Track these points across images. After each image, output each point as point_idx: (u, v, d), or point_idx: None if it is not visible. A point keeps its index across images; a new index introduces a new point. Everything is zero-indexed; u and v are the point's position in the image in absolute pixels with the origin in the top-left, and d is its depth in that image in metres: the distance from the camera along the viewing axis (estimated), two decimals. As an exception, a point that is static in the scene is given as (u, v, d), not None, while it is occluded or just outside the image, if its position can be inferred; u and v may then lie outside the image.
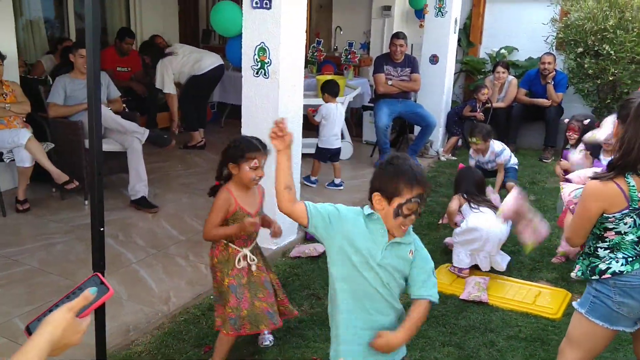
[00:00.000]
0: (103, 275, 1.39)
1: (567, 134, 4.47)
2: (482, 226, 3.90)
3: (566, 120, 4.57)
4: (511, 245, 4.49)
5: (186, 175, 6.00)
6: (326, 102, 5.70)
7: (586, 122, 4.30)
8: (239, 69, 4.20)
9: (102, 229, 2.36)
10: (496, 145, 5.07)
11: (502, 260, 4.05)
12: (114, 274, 3.73)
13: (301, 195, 4.57)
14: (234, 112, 6.90)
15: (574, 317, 2.35)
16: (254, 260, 2.80)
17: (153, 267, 3.94)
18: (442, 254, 4.32)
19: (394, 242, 1.94)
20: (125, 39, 7.02)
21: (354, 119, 7.86)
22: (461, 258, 3.97)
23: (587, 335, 2.29)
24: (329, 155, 5.74)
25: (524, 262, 4.22)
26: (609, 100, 7.25)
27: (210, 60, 6.72)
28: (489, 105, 7.04)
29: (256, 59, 3.94)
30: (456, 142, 7.22)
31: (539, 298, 3.68)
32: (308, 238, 4.43)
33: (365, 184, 2.04)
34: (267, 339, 3.07)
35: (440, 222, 4.82)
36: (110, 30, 7.88)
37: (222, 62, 6.83)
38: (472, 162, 5.12)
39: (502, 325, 3.37)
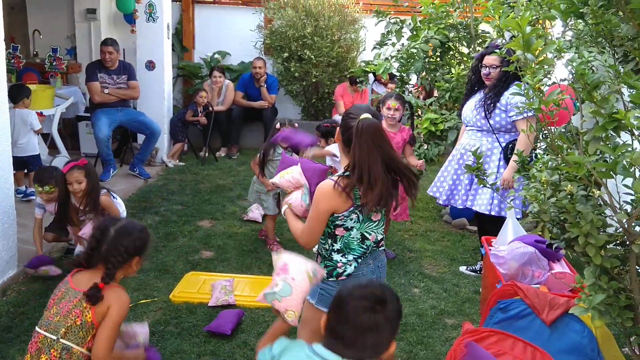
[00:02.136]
0: None
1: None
2: None
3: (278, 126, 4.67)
4: (249, 244, 4.70)
5: None
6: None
7: (297, 124, 4.69)
8: None
9: None
10: None
11: None
12: None
13: (18, 214, 4.05)
14: None
15: (305, 303, 2.55)
16: None
17: None
18: (184, 263, 4.29)
19: None
20: None
21: (68, 130, 7.22)
22: None
23: (314, 319, 2.46)
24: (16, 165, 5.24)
25: (263, 258, 4.45)
26: (314, 100, 8.08)
27: None
28: (210, 109, 7.21)
29: (-56, 72, 3.34)
30: (182, 147, 7.21)
31: (280, 290, 3.91)
32: (30, 266, 3.92)
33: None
34: None
35: None
36: None
37: None
38: (39, 212, 4.13)
39: (252, 324, 3.51)
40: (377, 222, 2.46)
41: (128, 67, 6.37)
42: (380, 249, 2.52)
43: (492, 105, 4.01)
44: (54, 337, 2.16)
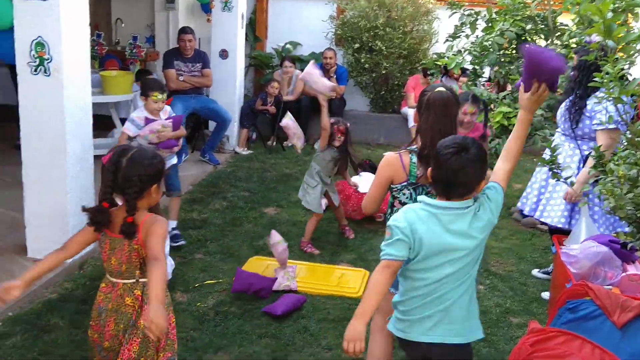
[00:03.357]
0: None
1: (337, 135, 4.67)
2: None
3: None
4: (314, 235, 4.74)
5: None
6: None
7: (348, 124, 4.72)
8: (10, 66, 3.76)
9: None
10: None
11: None
12: None
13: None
14: (6, 113, 6.11)
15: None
16: None
17: None
18: (249, 248, 4.38)
19: None
20: None
21: (144, 116, 7.51)
22: None
23: (386, 300, 2.50)
24: None
25: (326, 247, 4.48)
26: (383, 92, 8.02)
27: None
28: (280, 98, 7.30)
29: (33, 55, 3.55)
30: (247, 134, 7.31)
31: (341, 279, 3.94)
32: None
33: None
34: None
35: None
36: None
37: None
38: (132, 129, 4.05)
39: (313, 310, 3.55)
40: None
41: (203, 55, 6.55)
42: None
43: (577, 110, 3.71)
44: (133, 281, 2.28)
